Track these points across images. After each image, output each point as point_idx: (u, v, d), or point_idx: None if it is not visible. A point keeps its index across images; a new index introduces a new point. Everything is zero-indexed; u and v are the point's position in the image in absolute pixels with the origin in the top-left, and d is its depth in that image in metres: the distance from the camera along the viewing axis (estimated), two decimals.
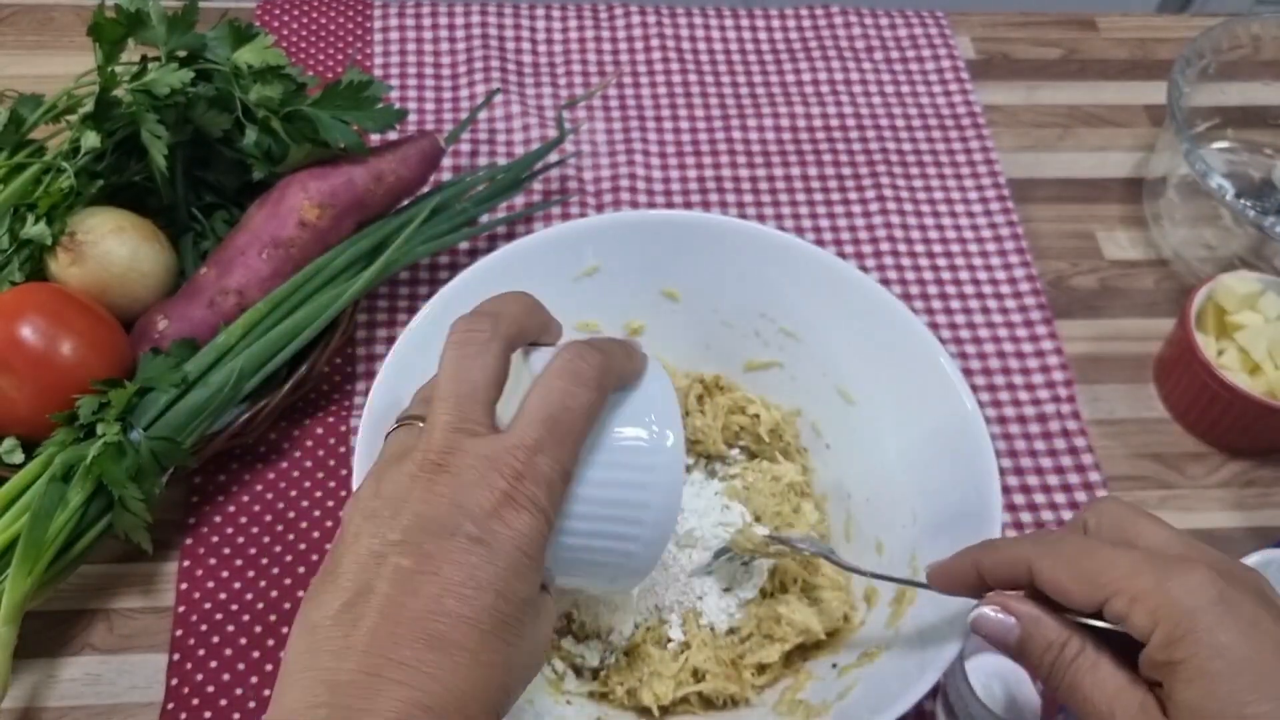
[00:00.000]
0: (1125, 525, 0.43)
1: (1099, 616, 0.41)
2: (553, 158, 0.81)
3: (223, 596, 0.63)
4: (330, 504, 0.67)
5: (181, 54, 0.66)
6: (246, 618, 0.62)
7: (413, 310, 0.71)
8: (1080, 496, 0.71)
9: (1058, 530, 0.43)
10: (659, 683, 0.57)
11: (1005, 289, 0.79)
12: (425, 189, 0.73)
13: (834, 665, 0.58)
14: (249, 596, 0.63)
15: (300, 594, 0.63)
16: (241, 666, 0.61)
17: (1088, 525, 0.44)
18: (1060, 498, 0.71)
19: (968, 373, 0.75)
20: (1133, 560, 0.40)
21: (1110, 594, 0.40)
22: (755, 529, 0.61)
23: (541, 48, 0.91)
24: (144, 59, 0.65)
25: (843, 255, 0.80)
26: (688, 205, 0.82)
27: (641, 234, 0.66)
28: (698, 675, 0.58)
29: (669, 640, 0.60)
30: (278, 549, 0.65)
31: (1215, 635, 0.37)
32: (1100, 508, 0.45)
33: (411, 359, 0.59)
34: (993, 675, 0.60)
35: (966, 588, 0.46)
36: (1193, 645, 0.37)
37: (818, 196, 0.83)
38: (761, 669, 0.59)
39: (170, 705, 0.59)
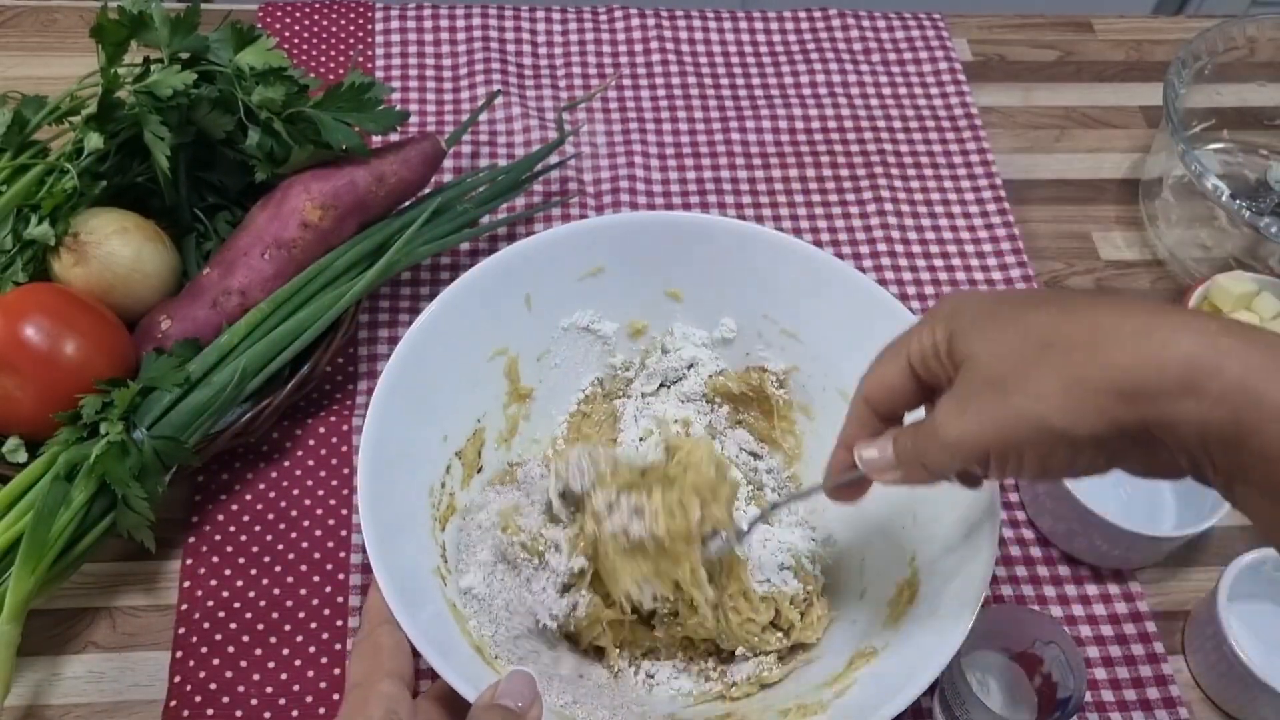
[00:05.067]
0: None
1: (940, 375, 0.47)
2: (553, 159, 0.81)
3: (225, 594, 0.63)
4: (332, 502, 0.67)
5: (184, 56, 0.66)
6: (249, 615, 0.63)
7: (414, 310, 0.71)
8: None
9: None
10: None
11: (1002, 289, 0.80)
12: (427, 190, 0.74)
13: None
14: (251, 594, 0.63)
15: (302, 591, 0.64)
16: (244, 664, 0.61)
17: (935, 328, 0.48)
18: None
19: None
20: (922, 323, 0.47)
21: (913, 349, 0.47)
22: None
23: (542, 50, 0.91)
24: (147, 60, 0.65)
25: (841, 256, 0.80)
26: (687, 206, 0.83)
27: (645, 235, 0.66)
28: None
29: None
30: (280, 547, 0.65)
31: (975, 341, 0.44)
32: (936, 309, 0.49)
33: (413, 360, 0.60)
34: (989, 673, 0.61)
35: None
36: (964, 349, 0.45)
37: (816, 198, 0.84)
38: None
39: (173, 702, 0.60)
